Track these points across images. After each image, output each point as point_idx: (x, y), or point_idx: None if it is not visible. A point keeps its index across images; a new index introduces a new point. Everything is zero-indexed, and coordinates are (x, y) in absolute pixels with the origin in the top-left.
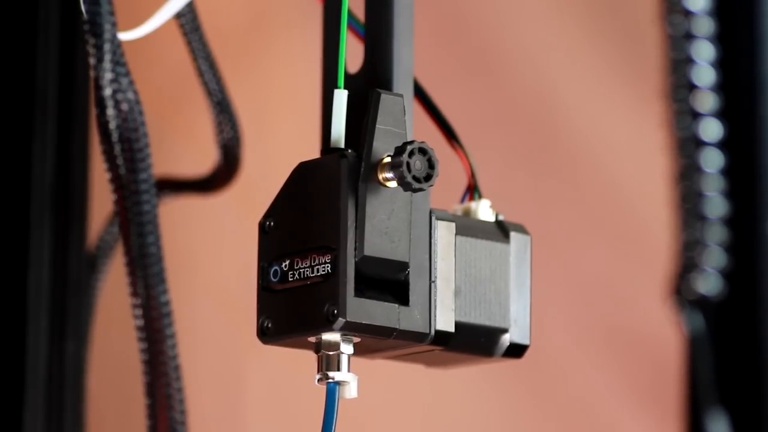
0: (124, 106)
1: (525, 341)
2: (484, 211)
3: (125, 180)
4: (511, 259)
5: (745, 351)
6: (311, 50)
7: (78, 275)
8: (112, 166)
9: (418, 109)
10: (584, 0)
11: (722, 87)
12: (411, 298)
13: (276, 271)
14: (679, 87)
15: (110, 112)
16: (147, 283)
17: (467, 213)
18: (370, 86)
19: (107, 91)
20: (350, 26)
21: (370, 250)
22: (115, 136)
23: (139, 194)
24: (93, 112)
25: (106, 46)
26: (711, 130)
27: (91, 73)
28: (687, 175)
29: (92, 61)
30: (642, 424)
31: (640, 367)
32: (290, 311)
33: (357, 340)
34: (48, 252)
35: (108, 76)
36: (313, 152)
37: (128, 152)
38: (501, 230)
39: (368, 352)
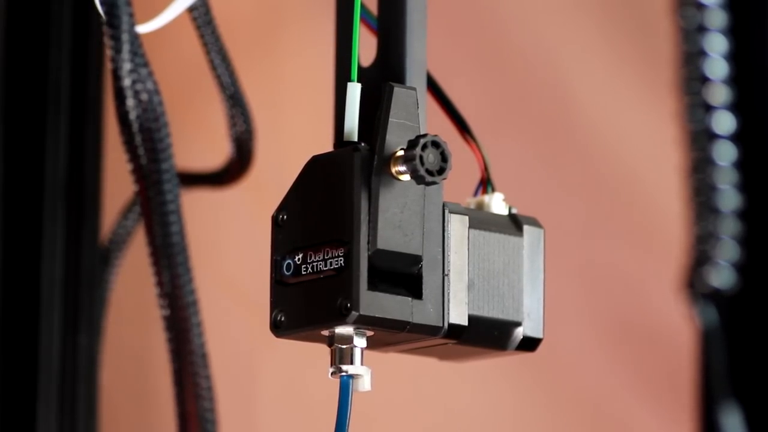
0: (144, 96)
1: (538, 335)
2: (497, 204)
3: (147, 170)
4: (524, 252)
5: (759, 344)
6: (324, 43)
7: (91, 269)
8: (134, 156)
9: (431, 103)
10: None
11: (735, 80)
12: (424, 291)
13: (289, 264)
14: (692, 80)
15: (130, 102)
16: (172, 272)
17: (480, 206)
18: (383, 79)
19: (126, 82)
20: (363, 19)
21: (383, 243)
22: (135, 127)
23: (161, 184)
24: (106, 106)
25: (124, 37)
26: (724, 123)
27: (110, 65)
28: (700, 168)
29: (110, 52)
30: (655, 417)
31: (653, 360)
32: (303, 305)
33: (370, 333)
34: (61, 246)
35: (127, 66)
36: (326, 146)
37: (149, 142)
38: (514, 223)
39: (381, 346)
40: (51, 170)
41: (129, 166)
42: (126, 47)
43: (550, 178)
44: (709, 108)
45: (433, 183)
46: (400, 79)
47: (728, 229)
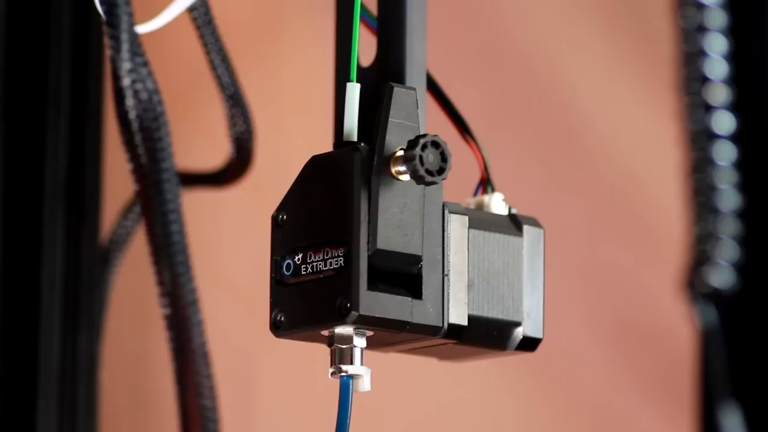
0: (144, 96)
1: (538, 335)
2: (497, 204)
3: (147, 169)
4: (524, 252)
5: (758, 344)
6: (324, 44)
7: (91, 269)
8: (134, 156)
9: (431, 103)
10: None
11: (735, 80)
12: (424, 291)
13: (289, 264)
14: (692, 80)
15: (129, 102)
16: (173, 271)
17: (480, 206)
18: (382, 79)
19: (126, 81)
20: (363, 19)
21: (383, 243)
22: (135, 126)
23: (161, 183)
24: (106, 106)
25: (124, 36)
26: (723, 122)
27: (110, 65)
28: (700, 168)
29: (110, 52)
30: (655, 417)
31: (653, 360)
32: (303, 305)
33: (370, 333)
34: (61, 246)
35: (126, 66)
36: (326, 146)
37: (149, 141)
38: (514, 223)
39: (381, 346)
40: (51, 170)
41: (129, 166)
42: (125, 47)
43: (550, 178)
44: (709, 108)
45: (433, 183)
46: (400, 79)
47: (728, 229)
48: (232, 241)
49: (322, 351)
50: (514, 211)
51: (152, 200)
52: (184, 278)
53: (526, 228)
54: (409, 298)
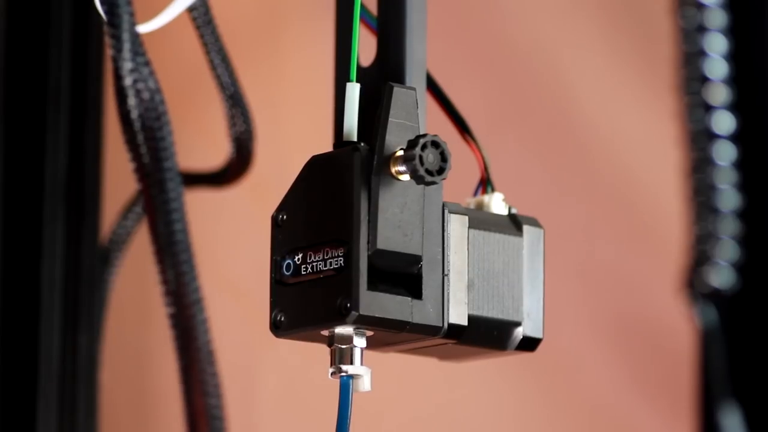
0: (146, 95)
1: (538, 335)
2: (496, 204)
3: (150, 168)
4: (524, 252)
5: (759, 344)
6: (324, 43)
7: (91, 269)
8: (136, 155)
9: (431, 103)
10: None
11: (735, 80)
12: (424, 291)
13: (289, 264)
14: (692, 80)
15: (131, 101)
16: (176, 270)
17: (480, 206)
18: (382, 79)
19: (127, 81)
20: (363, 19)
21: (383, 243)
22: (137, 125)
23: (164, 182)
24: (106, 106)
25: (125, 36)
26: (723, 122)
27: (111, 64)
28: (700, 168)
29: (112, 51)
30: (655, 417)
31: (653, 360)
32: (303, 305)
33: (370, 333)
34: (61, 246)
35: (128, 66)
36: (326, 145)
37: (151, 140)
38: (514, 223)
39: (381, 346)
40: (51, 170)
41: (131, 165)
42: (127, 46)
43: (550, 178)
44: (709, 108)
45: (433, 183)
46: (400, 79)
47: (728, 229)
48: (232, 241)
49: (322, 351)
50: (514, 211)
51: (155, 199)
52: (188, 277)
53: (526, 228)
54: (409, 298)
